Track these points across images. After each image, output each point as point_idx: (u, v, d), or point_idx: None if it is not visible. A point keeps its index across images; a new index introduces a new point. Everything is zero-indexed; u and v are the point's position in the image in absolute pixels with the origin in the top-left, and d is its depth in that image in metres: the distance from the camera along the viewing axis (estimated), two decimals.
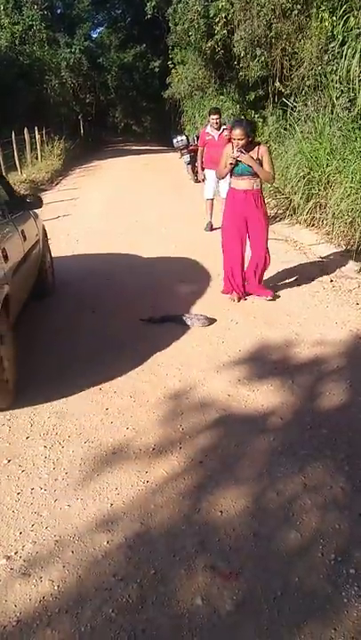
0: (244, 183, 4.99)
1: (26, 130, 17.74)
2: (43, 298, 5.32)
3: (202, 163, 8.71)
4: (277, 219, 8.72)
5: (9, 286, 3.58)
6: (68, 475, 2.80)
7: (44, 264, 5.34)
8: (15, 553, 2.30)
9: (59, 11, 37.28)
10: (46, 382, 3.77)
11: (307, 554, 2.23)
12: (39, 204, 5.02)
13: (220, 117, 8.46)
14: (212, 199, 8.64)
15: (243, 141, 4.76)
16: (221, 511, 2.49)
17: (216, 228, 8.37)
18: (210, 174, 8.45)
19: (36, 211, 5.23)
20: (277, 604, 2.00)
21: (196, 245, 7.33)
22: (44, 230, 5.67)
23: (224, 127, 8.27)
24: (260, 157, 4.84)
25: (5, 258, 3.67)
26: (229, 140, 5.08)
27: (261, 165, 4.84)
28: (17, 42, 25.86)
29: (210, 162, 8.32)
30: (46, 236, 5.73)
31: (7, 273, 3.64)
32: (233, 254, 5.13)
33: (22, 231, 4.47)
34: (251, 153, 4.80)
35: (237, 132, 4.77)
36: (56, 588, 2.12)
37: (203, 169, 8.72)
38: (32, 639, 1.91)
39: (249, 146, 4.82)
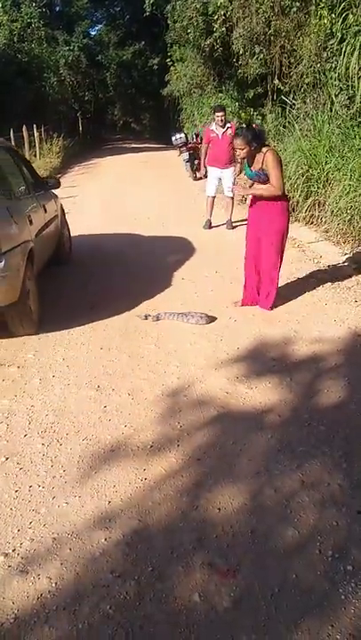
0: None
1: (24, 128, 17.70)
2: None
3: (205, 160, 8.64)
4: None
5: (33, 244, 4.75)
6: (65, 472, 2.80)
7: (62, 235, 6.57)
8: (13, 550, 2.30)
9: (57, 8, 37.22)
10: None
11: (304, 551, 2.23)
12: (57, 185, 6.28)
13: (225, 115, 8.38)
14: (214, 197, 8.59)
15: (244, 151, 4.55)
16: (219, 508, 2.49)
17: (215, 226, 8.43)
18: (212, 172, 8.48)
19: (54, 192, 6.46)
20: (275, 601, 2.00)
21: (195, 242, 7.32)
22: (62, 209, 6.86)
23: (228, 125, 8.24)
24: (263, 167, 4.55)
25: (30, 223, 4.88)
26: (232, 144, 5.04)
27: (266, 176, 4.54)
28: (15, 39, 25.83)
29: (213, 159, 8.37)
30: (64, 214, 6.89)
31: (32, 234, 4.83)
32: (247, 262, 5.00)
33: (44, 205, 5.65)
34: (256, 160, 4.58)
35: (238, 142, 4.54)
36: (54, 585, 2.12)
37: (205, 166, 8.68)
38: (30, 636, 1.92)
39: (255, 152, 4.58)
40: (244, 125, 4.71)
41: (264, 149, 4.54)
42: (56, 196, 6.56)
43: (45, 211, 5.65)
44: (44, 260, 5.51)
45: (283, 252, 4.94)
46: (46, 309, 4.96)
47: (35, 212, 5.16)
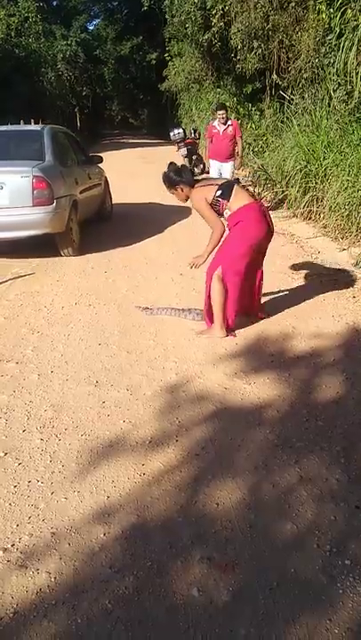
0: None
1: (22, 123, 17.65)
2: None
3: (207, 154, 9.56)
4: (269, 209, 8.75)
5: (77, 198, 7.12)
6: (64, 467, 2.81)
7: (105, 198, 9.13)
8: (12, 545, 2.30)
9: (55, 2, 37.18)
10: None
11: (302, 545, 2.23)
12: (100, 160, 8.83)
13: (227, 113, 9.16)
14: None
15: (177, 196, 4.43)
16: (218, 503, 2.50)
17: None
18: (213, 165, 9.30)
19: (100, 166, 9.00)
20: (273, 595, 2.00)
21: (194, 238, 7.31)
22: (107, 179, 9.39)
23: (229, 123, 9.05)
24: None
25: (77, 183, 7.32)
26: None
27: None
28: (13, 34, 25.71)
29: (213, 153, 9.23)
30: (108, 184, 9.42)
31: (77, 191, 7.23)
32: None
33: (88, 174, 8.12)
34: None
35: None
36: (53, 579, 2.12)
37: (207, 159, 9.63)
38: (29, 630, 1.92)
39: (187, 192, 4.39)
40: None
41: (191, 191, 4.35)
42: (102, 170, 9.13)
43: (90, 178, 8.11)
44: (88, 212, 7.90)
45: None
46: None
47: (80, 177, 7.58)
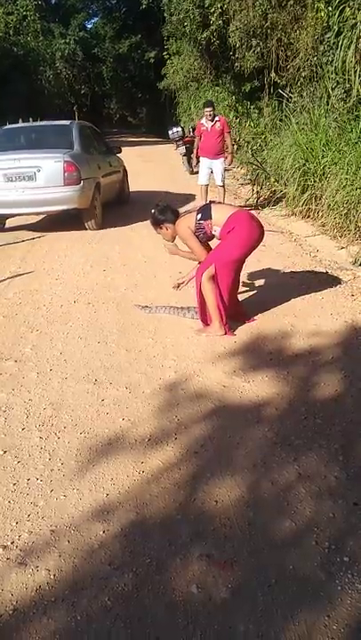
0: None
1: (20, 121, 17.63)
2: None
3: (197, 151, 9.49)
4: (266, 206, 8.77)
5: (100, 180, 8.48)
6: (63, 465, 2.81)
7: (123, 184, 10.60)
8: (11, 542, 2.31)
9: (53, 1, 37.09)
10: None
11: (301, 542, 2.24)
12: (119, 151, 10.44)
13: (214, 109, 9.14)
14: (206, 185, 9.38)
15: (164, 234, 4.54)
16: (216, 501, 2.50)
17: None
18: (203, 162, 9.26)
19: (119, 155, 10.51)
20: (272, 592, 2.01)
21: None
22: (125, 167, 10.76)
23: (216, 119, 9.05)
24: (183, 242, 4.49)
25: (99, 168, 8.73)
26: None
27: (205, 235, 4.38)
28: (11, 32, 25.71)
29: (203, 150, 9.19)
30: (126, 172, 10.82)
31: (99, 175, 8.62)
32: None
33: (109, 161, 9.59)
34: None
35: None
36: (52, 577, 2.13)
37: (197, 157, 9.57)
38: (28, 627, 1.93)
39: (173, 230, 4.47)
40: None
41: (176, 224, 4.43)
42: (121, 160, 10.60)
43: (110, 165, 9.60)
44: (109, 194, 9.34)
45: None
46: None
47: (102, 163, 9.06)
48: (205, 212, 4.32)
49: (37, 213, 8.55)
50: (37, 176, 7.69)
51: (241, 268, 4.50)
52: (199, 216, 4.31)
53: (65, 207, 7.90)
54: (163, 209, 4.53)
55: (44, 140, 8.65)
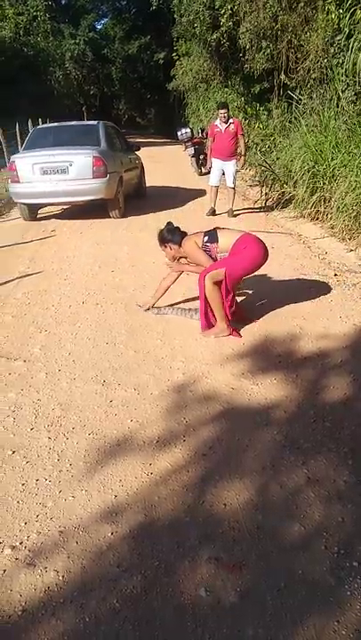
0: None
1: (30, 121, 17.69)
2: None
3: (210, 152, 9.36)
4: (274, 208, 8.78)
5: (122, 174, 9.35)
6: (72, 466, 2.82)
7: (140, 179, 11.48)
8: (20, 543, 2.31)
9: (63, 1, 37.17)
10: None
11: (310, 546, 2.23)
12: (138, 149, 11.36)
13: (228, 111, 9.04)
14: (217, 186, 9.28)
15: (170, 253, 4.66)
16: (225, 504, 2.50)
17: (219, 214, 9.18)
18: (215, 163, 9.19)
19: (137, 153, 11.38)
20: (281, 596, 2.01)
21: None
22: (142, 164, 11.67)
23: (231, 121, 8.95)
24: (188, 261, 4.66)
25: (121, 164, 9.55)
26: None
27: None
28: (21, 33, 25.79)
29: (216, 152, 9.13)
30: (143, 168, 11.71)
31: (122, 169, 9.47)
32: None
33: (129, 158, 10.49)
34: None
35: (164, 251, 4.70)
36: (61, 578, 2.13)
37: (210, 158, 9.38)
38: (37, 628, 1.93)
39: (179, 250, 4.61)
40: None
41: (179, 250, 4.57)
42: (139, 157, 11.47)
43: (130, 161, 10.51)
44: (129, 187, 10.23)
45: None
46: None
47: (123, 159, 9.90)
48: (212, 235, 4.39)
49: (69, 203, 9.56)
50: (70, 169, 8.61)
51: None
52: (206, 238, 4.39)
53: (93, 197, 8.80)
54: (171, 229, 4.62)
55: (74, 138, 9.32)
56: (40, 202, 9.30)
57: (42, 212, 9.98)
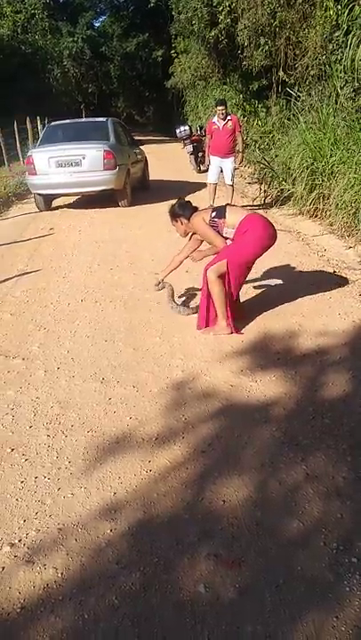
0: None
1: (28, 119, 17.66)
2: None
3: (208, 150, 9.33)
4: (273, 205, 8.77)
5: (129, 167, 10.07)
6: (71, 464, 2.82)
7: (145, 172, 12.16)
8: (19, 540, 2.31)
9: None
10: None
11: (309, 543, 2.23)
12: (142, 143, 12.52)
13: (226, 108, 9.01)
14: (215, 184, 9.28)
15: (180, 229, 4.63)
16: (224, 500, 2.50)
17: None
18: (213, 160, 9.15)
19: (142, 147, 12.23)
20: (280, 592, 2.01)
21: None
22: (146, 158, 12.31)
23: (228, 118, 8.91)
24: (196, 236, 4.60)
25: (129, 157, 10.27)
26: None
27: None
28: (19, 30, 25.74)
29: (214, 149, 9.08)
30: (147, 162, 12.35)
31: (129, 162, 10.19)
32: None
33: (135, 152, 11.16)
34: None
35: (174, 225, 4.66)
36: (60, 575, 2.13)
37: (208, 155, 9.34)
38: (36, 626, 1.93)
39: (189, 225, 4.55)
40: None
41: (189, 225, 4.52)
42: (143, 151, 12.14)
43: (136, 155, 11.17)
44: (135, 179, 10.90)
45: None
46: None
47: (130, 153, 10.56)
48: (220, 211, 4.36)
49: (82, 193, 10.19)
50: (83, 162, 9.34)
51: (250, 270, 4.53)
52: (214, 214, 4.35)
53: (104, 188, 9.52)
54: (183, 204, 4.59)
55: (86, 134, 10.13)
56: (55, 192, 9.97)
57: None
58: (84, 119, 12.71)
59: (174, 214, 4.58)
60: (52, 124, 11.21)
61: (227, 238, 4.36)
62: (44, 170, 9.46)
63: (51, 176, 9.48)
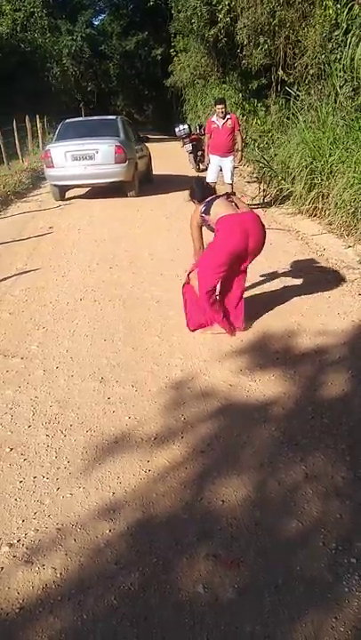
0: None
1: (27, 118, 17.63)
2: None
3: (207, 149, 9.27)
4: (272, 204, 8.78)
5: (137, 161, 10.91)
6: (70, 463, 2.81)
7: (149, 166, 12.87)
8: (18, 540, 2.31)
9: None
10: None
11: (308, 543, 2.23)
12: (147, 139, 13.13)
13: (225, 107, 8.96)
14: (215, 183, 9.06)
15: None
16: (223, 500, 2.50)
17: None
18: (213, 159, 9.10)
19: (146, 143, 12.96)
20: (279, 593, 2.00)
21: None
22: (150, 153, 13.07)
23: (228, 117, 8.85)
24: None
25: (136, 152, 11.06)
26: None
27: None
28: (18, 29, 25.68)
29: (213, 148, 9.04)
30: (150, 155, 13.07)
31: (137, 156, 11.00)
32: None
33: (141, 147, 11.96)
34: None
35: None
36: (58, 575, 2.13)
37: (207, 154, 9.28)
38: (34, 626, 1.93)
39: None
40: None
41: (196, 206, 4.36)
42: (147, 146, 12.91)
43: (142, 150, 12.02)
44: (141, 173, 11.51)
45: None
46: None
47: (137, 148, 11.28)
48: (208, 205, 4.16)
49: (95, 184, 10.97)
50: (96, 156, 10.22)
51: (233, 270, 4.17)
52: (203, 208, 4.19)
53: (115, 179, 10.41)
54: (199, 185, 4.49)
55: (98, 130, 10.92)
56: (71, 183, 10.81)
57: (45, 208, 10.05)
58: (95, 117, 13.37)
59: (191, 194, 4.47)
60: (67, 121, 11.87)
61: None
62: (61, 163, 10.35)
63: (67, 168, 10.36)
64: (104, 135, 10.60)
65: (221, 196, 4.32)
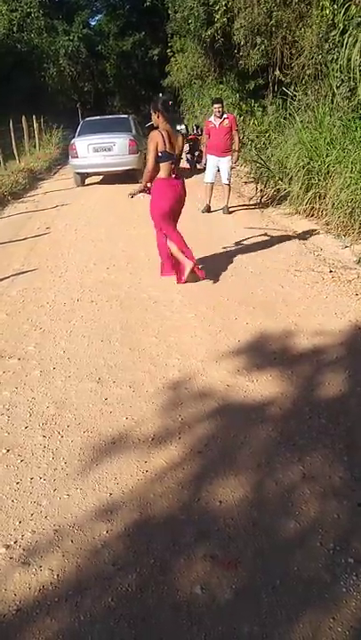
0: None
1: (23, 118, 17.60)
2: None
3: (205, 149, 9.24)
4: (270, 205, 8.77)
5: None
6: (67, 464, 2.81)
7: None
8: (15, 542, 2.31)
9: None
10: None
11: (306, 543, 2.23)
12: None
13: (223, 106, 8.90)
14: (212, 183, 9.17)
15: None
16: (220, 501, 2.49)
17: (214, 211, 9.06)
18: (210, 160, 9.07)
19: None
20: (276, 593, 2.00)
21: (195, 227, 7.30)
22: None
23: (225, 116, 8.80)
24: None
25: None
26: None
27: None
28: (14, 29, 25.64)
29: (211, 148, 9.00)
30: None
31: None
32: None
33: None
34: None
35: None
36: (55, 576, 2.12)
37: (205, 154, 9.25)
38: (32, 628, 1.92)
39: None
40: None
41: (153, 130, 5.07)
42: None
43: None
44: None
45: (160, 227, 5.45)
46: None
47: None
48: (162, 157, 5.03)
49: (111, 172, 12.72)
50: (113, 148, 12.32)
51: (173, 217, 5.40)
52: (160, 156, 5.02)
53: (129, 167, 12.25)
54: (164, 101, 5.10)
55: (113, 126, 13.18)
56: (92, 171, 12.87)
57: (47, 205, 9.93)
58: (110, 116, 16.56)
59: (154, 107, 5.07)
60: (87, 119, 14.51)
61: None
62: (84, 154, 12.44)
63: (89, 158, 12.46)
64: (119, 131, 12.76)
65: (172, 156, 5.11)
